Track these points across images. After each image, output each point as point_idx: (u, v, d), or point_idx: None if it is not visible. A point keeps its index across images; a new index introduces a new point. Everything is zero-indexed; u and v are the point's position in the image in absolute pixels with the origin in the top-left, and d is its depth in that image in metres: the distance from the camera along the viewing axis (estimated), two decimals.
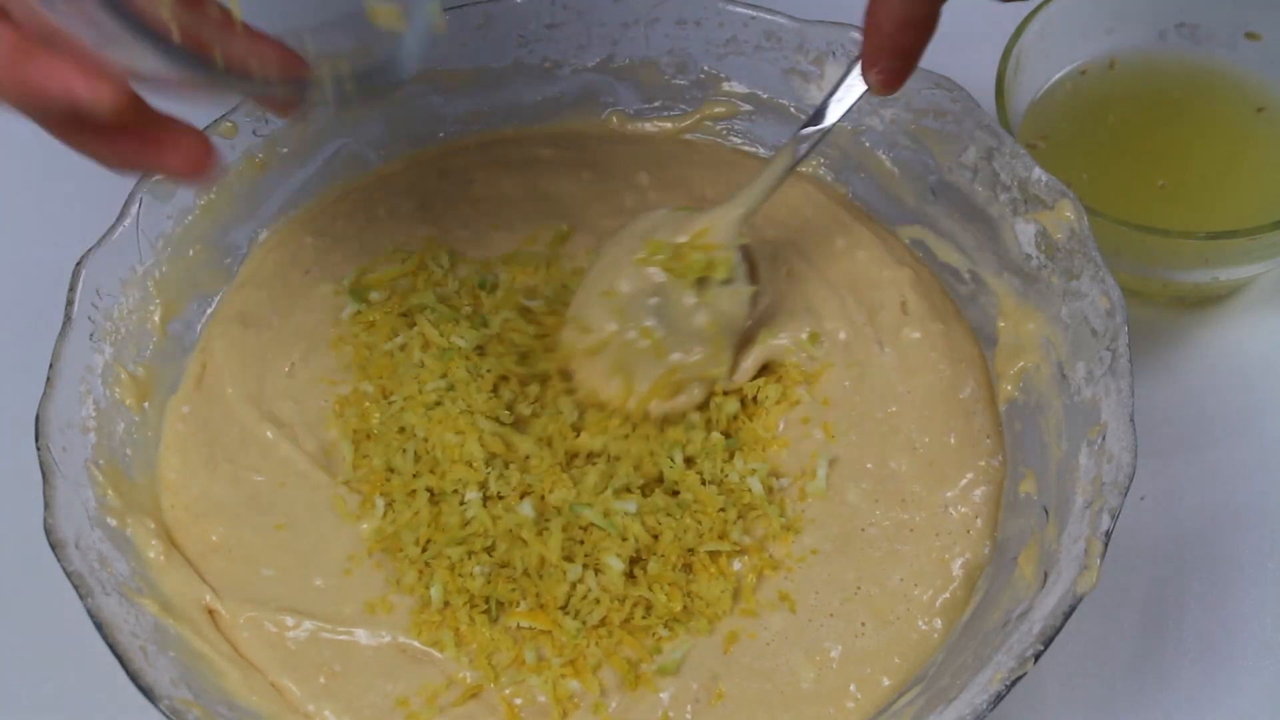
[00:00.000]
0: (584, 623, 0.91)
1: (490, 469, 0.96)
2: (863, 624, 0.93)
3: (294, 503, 0.98)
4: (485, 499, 0.95)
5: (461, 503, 0.95)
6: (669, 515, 0.94)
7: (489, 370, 1.00)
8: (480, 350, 1.01)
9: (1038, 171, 0.98)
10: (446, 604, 0.92)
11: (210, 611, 0.93)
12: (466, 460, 0.96)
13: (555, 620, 0.91)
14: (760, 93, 1.12)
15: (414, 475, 0.97)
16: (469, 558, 0.93)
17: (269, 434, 1.00)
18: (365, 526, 0.96)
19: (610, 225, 1.07)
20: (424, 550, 0.94)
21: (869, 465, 0.99)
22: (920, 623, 0.92)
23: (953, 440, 0.99)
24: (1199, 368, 1.11)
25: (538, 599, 0.92)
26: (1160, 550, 1.02)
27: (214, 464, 1.00)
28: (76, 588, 0.84)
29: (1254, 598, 1.01)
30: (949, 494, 0.97)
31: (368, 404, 1.01)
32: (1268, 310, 1.14)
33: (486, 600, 0.92)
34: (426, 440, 0.97)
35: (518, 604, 0.92)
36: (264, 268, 1.09)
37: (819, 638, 0.92)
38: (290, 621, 0.93)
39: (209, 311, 1.07)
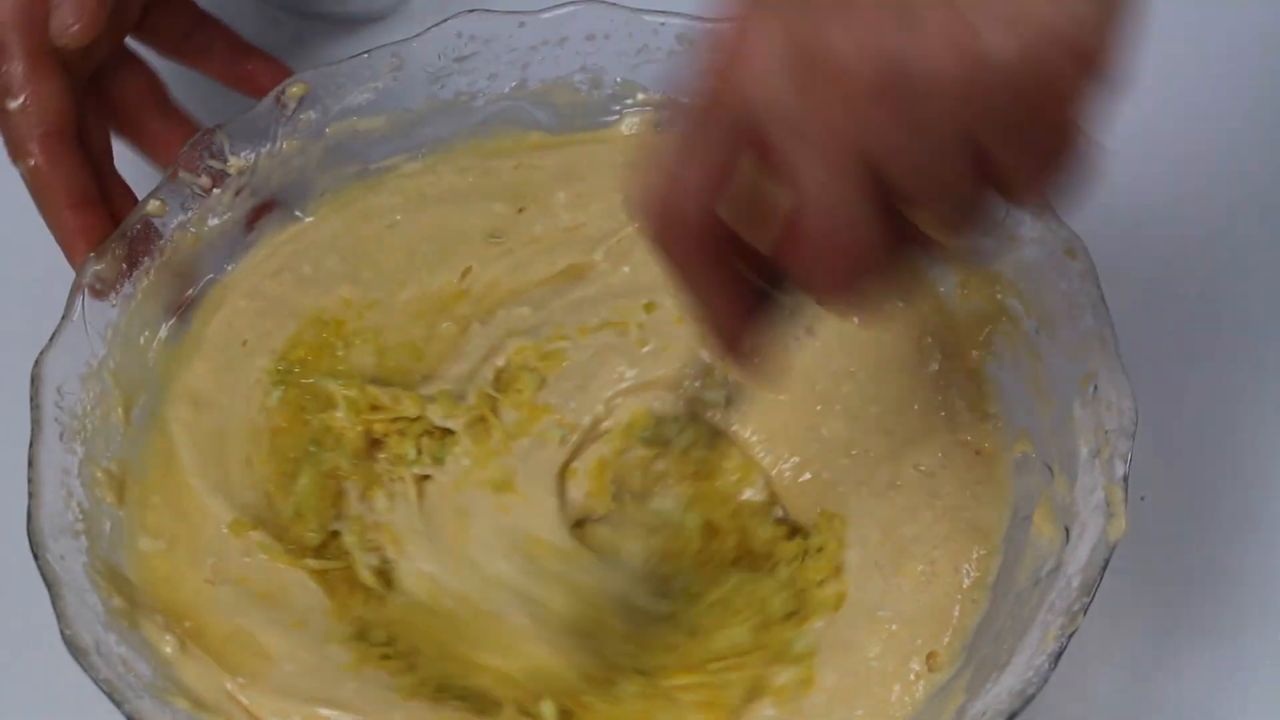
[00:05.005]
0: None
1: None
2: (896, 611, 0.92)
3: (295, 602, 0.94)
4: None
5: None
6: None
7: None
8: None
9: None
10: None
11: (237, 700, 0.90)
12: None
13: None
14: (677, 96, 1.12)
15: None
16: None
17: (252, 534, 0.96)
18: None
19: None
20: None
21: (844, 461, 0.97)
22: (958, 596, 0.92)
23: (943, 414, 0.98)
24: (1200, 367, 1.11)
25: None
26: (1160, 550, 1.01)
27: (199, 559, 0.95)
28: (111, 696, 0.80)
29: (1254, 598, 1.01)
30: (928, 464, 0.97)
31: None
32: (1259, 304, 1.13)
33: None
34: None
35: None
36: (206, 337, 1.05)
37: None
38: (325, 712, 0.88)
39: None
